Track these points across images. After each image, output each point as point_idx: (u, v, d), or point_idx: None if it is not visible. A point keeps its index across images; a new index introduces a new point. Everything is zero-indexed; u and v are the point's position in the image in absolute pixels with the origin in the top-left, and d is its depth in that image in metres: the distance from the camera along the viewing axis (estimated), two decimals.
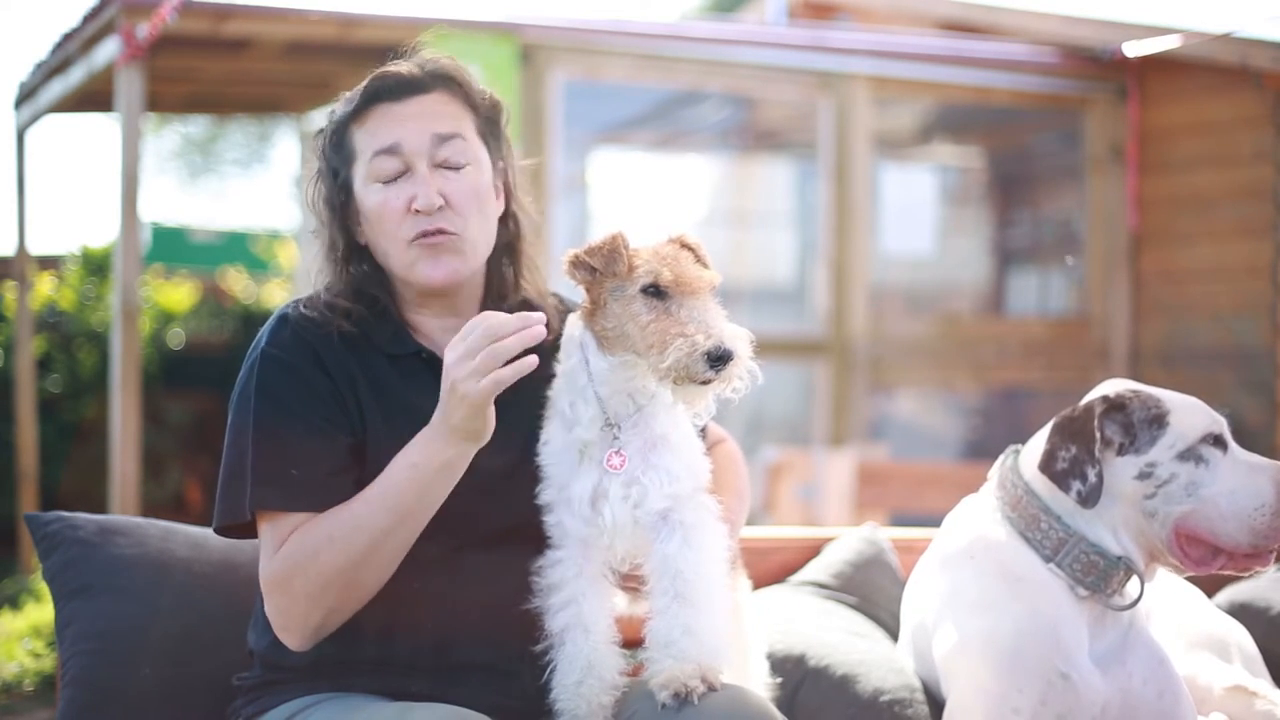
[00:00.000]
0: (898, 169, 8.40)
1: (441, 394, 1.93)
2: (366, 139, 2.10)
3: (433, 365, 2.12)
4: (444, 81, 2.14)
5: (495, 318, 1.90)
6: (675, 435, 2.04)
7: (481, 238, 2.14)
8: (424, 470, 1.96)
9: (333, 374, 2.06)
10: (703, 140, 8.34)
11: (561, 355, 2.09)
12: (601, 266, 1.97)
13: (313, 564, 1.96)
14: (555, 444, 2.07)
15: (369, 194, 2.10)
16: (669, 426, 2.03)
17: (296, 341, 2.07)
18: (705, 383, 1.88)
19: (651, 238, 2.04)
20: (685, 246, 2.03)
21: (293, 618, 2.00)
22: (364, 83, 2.13)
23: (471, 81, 2.18)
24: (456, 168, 2.11)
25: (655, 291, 1.93)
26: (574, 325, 2.07)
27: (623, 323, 1.95)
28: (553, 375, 2.10)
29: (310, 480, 2.00)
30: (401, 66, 2.14)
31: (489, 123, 2.19)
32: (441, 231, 2.08)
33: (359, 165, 2.11)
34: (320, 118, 2.23)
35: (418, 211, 2.07)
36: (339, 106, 2.15)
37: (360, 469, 2.05)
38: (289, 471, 1.99)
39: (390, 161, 2.08)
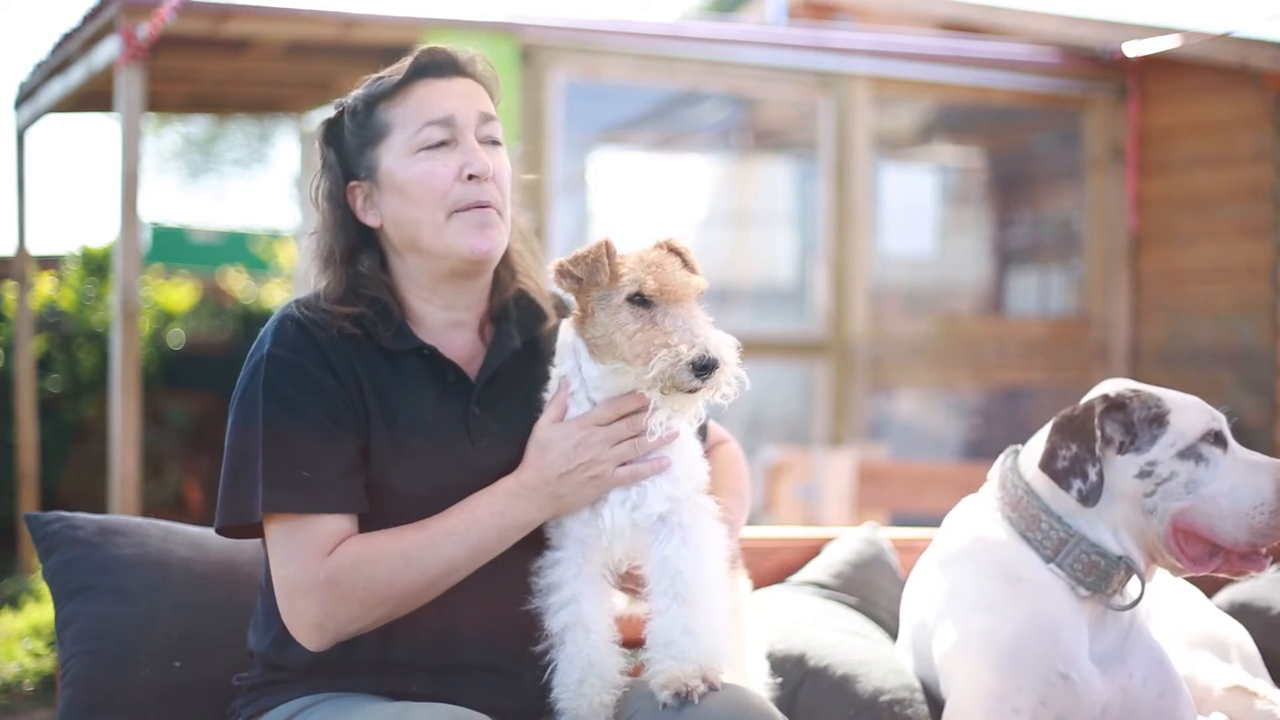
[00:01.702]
0: (898, 169, 8.40)
1: (553, 461, 2.00)
2: (410, 111, 2.10)
3: (432, 362, 2.12)
4: (478, 73, 2.18)
5: (639, 414, 1.98)
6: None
7: (510, 220, 2.17)
8: (509, 521, 2.02)
9: (339, 374, 2.05)
10: (703, 140, 8.34)
11: (556, 359, 2.09)
12: (585, 276, 1.97)
13: (382, 576, 1.98)
14: None
15: (410, 165, 2.08)
16: (665, 429, 2.03)
17: (302, 342, 2.06)
18: (692, 391, 1.89)
19: (641, 242, 2.04)
20: (673, 251, 2.03)
21: (337, 620, 1.99)
22: (404, 62, 2.13)
23: (497, 81, 2.22)
24: (497, 144, 2.15)
25: (640, 300, 1.94)
26: (568, 330, 2.07)
27: (610, 331, 1.96)
28: (548, 376, 2.10)
29: (324, 482, 2.00)
30: (449, 48, 2.16)
31: (501, 126, 2.22)
32: (489, 205, 2.10)
33: (395, 138, 2.10)
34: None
35: (471, 177, 2.08)
36: (364, 88, 2.14)
37: (368, 470, 2.05)
38: (301, 473, 1.99)
39: (439, 132, 2.09)
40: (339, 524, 2.01)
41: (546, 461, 2.01)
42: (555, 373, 2.09)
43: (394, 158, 2.10)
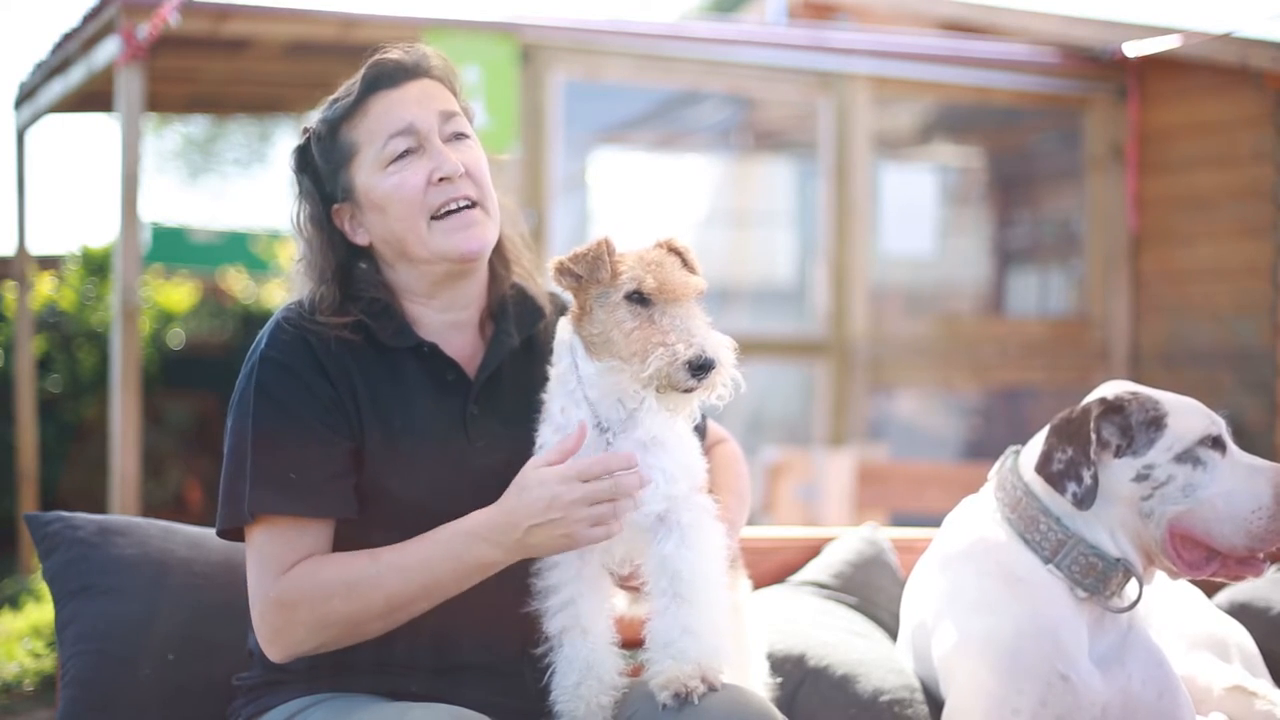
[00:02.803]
0: (898, 169, 8.40)
1: (526, 508, 1.91)
2: (371, 127, 2.10)
3: (432, 360, 2.12)
4: (431, 70, 2.16)
5: (623, 474, 1.91)
6: (669, 436, 2.04)
7: (496, 208, 2.16)
8: (467, 566, 1.97)
9: (333, 379, 2.05)
10: (703, 140, 8.35)
11: (554, 359, 2.09)
12: (585, 273, 1.97)
13: (324, 604, 1.97)
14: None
15: (382, 180, 2.09)
16: (662, 428, 2.03)
17: (297, 345, 2.06)
18: (687, 391, 1.88)
19: (641, 241, 2.04)
20: (673, 251, 2.03)
21: (286, 638, 2.01)
22: (356, 79, 2.12)
23: (452, 70, 2.21)
24: (464, 137, 2.13)
25: (639, 298, 1.94)
26: (564, 329, 2.07)
27: (608, 329, 1.96)
28: (546, 378, 2.10)
29: (309, 484, 2.00)
30: (392, 54, 2.14)
31: (466, 113, 2.21)
32: (469, 203, 2.10)
33: (363, 157, 2.10)
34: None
35: (442, 180, 2.08)
36: (323, 112, 2.14)
37: (359, 475, 2.05)
38: (288, 475, 1.99)
39: (403, 142, 2.08)
40: (307, 539, 2.01)
41: (518, 507, 1.93)
42: (553, 372, 2.08)
43: (366, 176, 2.10)
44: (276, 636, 2.01)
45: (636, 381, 1.92)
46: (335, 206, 2.14)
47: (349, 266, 2.15)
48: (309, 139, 2.15)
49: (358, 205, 2.13)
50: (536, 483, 1.92)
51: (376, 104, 2.11)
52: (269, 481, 1.99)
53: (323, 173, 2.14)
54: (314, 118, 2.16)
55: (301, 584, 1.98)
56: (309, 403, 2.03)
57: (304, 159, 2.16)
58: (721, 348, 1.90)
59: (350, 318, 2.09)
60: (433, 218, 2.09)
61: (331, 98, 2.14)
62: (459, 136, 2.13)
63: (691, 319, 1.92)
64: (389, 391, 2.09)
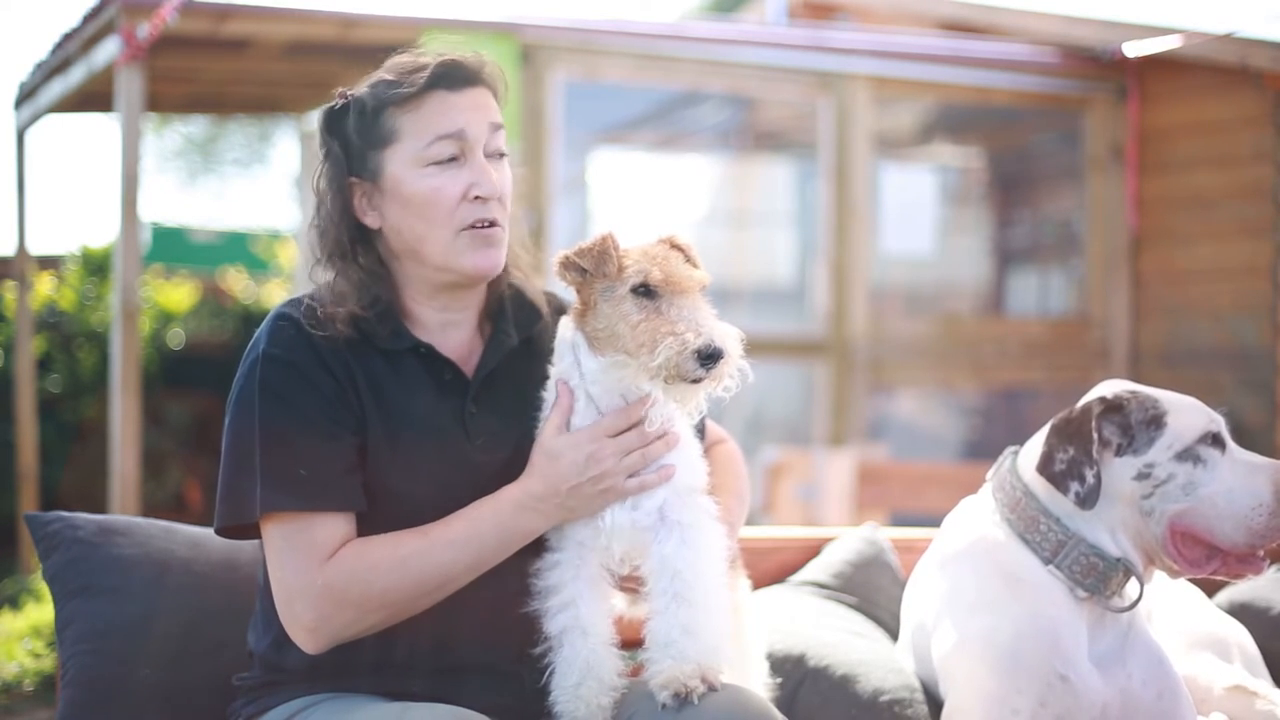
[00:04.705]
0: (898, 169, 8.39)
1: (563, 473, 1.99)
2: (420, 123, 2.07)
3: (429, 360, 2.12)
4: (491, 79, 2.16)
5: (645, 421, 1.98)
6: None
7: (509, 229, 2.16)
8: (512, 533, 2.02)
9: (335, 373, 2.05)
10: (703, 140, 8.34)
11: (555, 357, 2.09)
12: (591, 267, 1.97)
13: (380, 581, 1.97)
14: None
15: (418, 178, 2.06)
16: (665, 426, 2.03)
17: (298, 342, 2.05)
18: (696, 381, 1.88)
19: (642, 238, 2.04)
20: (675, 247, 2.03)
21: (333, 625, 1.99)
22: (423, 69, 2.08)
23: (506, 82, 2.20)
24: (503, 156, 2.13)
25: (645, 291, 1.94)
26: (566, 327, 2.07)
27: (613, 323, 1.96)
28: (547, 376, 2.10)
29: (321, 480, 2.00)
30: (463, 57, 2.12)
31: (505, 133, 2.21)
32: (494, 224, 2.10)
33: (403, 147, 2.07)
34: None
35: (477, 198, 2.07)
36: (377, 87, 2.09)
37: (366, 469, 2.05)
38: (299, 472, 1.99)
39: (450, 146, 2.06)
40: (337, 526, 2.01)
41: (556, 473, 2.00)
42: (554, 370, 2.08)
43: (400, 167, 2.07)
44: (322, 623, 1.99)
45: (644, 373, 1.92)
46: (351, 179, 2.11)
47: (354, 248, 2.12)
48: (348, 104, 2.11)
49: (379, 189, 2.10)
50: (568, 446, 2.00)
51: (433, 100, 2.08)
52: (281, 480, 1.98)
53: (353, 144, 2.10)
54: (360, 88, 2.11)
55: (353, 565, 1.98)
56: (314, 398, 2.02)
57: (336, 124, 2.12)
58: (729, 338, 1.90)
59: (352, 308, 2.07)
60: (459, 230, 2.08)
61: (387, 78, 2.10)
62: (500, 155, 2.13)
63: (698, 310, 1.93)
64: (389, 387, 2.08)
